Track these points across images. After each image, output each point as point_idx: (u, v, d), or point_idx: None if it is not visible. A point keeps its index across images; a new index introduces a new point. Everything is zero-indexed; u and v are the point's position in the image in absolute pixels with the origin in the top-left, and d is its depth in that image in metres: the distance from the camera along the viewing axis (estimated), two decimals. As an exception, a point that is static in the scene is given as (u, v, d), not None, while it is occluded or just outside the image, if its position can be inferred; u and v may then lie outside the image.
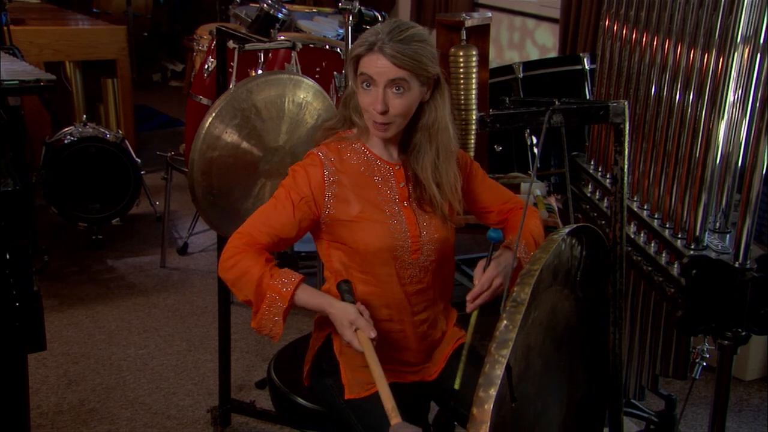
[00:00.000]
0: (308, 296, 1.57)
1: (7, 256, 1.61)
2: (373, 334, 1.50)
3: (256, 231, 1.62)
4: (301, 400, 1.79)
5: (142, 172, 3.73)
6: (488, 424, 1.00)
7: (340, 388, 1.69)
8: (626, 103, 1.17)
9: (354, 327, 1.51)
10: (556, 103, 1.16)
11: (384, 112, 1.57)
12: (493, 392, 1.02)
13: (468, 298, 1.62)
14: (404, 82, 1.55)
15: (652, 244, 1.75)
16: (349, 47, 2.69)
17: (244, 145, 2.09)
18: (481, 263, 1.65)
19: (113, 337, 3.01)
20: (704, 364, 1.70)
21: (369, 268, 1.66)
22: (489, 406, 1.01)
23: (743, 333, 1.47)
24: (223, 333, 2.43)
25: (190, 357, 2.90)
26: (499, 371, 1.03)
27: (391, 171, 1.68)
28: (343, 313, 1.54)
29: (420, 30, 1.59)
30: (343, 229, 1.65)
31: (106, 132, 3.70)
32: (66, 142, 3.57)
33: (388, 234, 1.64)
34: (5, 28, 3.84)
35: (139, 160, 3.72)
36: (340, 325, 1.54)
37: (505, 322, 1.09)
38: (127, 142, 3.75)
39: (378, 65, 1.54)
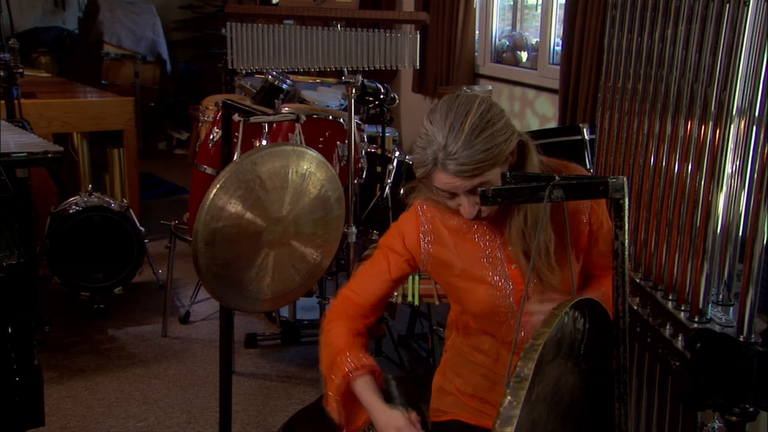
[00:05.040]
0: (362, 390, 1.51)
1: (9, 330, 1.61)
2: None
3: (354, 294, 1.65)
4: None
5: (146, 241, 3.75)
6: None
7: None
8: (625, 179, 1.18)
9: None
10: (557, 178, 1.18)
11: (476, 215, 1.46)
12: (498, 472, 1.00)
13: None
14: (485, 183, 1.41)
15: (657, 316, 1.73)
16: (353, 119, 2.74)
17: (248, 215, 2.11)
18: None
19: (112, 409, 2.97)
20: (715, 444, 1.66)
21: (475, 322, 1.63)
22: (494, 486, 1.00)
23: (751, 409, 1.44)
24: (224, 404, 2.39)
25: (190, 429, 2.85)
26: (504, 450, 1.02)
27: (495, 232, 1.57)
28: (388, 422, 1.47)
29: (476, 114, 1.43)
30: (446, 287, 1.62)
31: (111, 201, 3.74)
32: (71, 211, 3.60)
33: (490, 296, 1.56)
34: (16, 101, 3.92)
35: (142, 229, 3.74)
36: None
37: (509, 398, 1.07)
38: (131, 211, 3.78)
39: (450, 182, 1.42)
